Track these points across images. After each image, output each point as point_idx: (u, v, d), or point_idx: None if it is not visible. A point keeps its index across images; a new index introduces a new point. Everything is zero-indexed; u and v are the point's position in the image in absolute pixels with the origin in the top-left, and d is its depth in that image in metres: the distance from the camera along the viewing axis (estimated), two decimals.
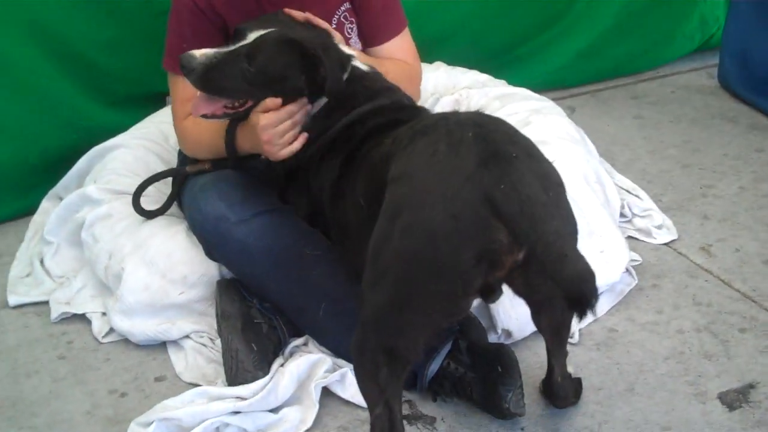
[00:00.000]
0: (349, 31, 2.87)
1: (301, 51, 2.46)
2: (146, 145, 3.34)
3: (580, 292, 1.87)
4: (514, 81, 3.83)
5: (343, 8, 2.85)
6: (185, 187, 2.84)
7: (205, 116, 2.53)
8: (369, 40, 2.93)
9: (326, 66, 2.44)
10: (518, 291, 2.10)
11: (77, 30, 3.50)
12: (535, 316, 2.29)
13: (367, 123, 2.48)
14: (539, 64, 4.42)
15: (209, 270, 2.80)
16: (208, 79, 2.42)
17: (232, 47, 2.45)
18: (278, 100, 2.47)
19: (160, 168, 3.19)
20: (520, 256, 1.89)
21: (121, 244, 2.89)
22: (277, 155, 2.52)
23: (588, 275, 1.89)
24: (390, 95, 2.58)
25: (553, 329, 2.32)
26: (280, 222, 2.63)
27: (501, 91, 3.61)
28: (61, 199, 3.39)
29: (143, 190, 2.90)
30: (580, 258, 1.91)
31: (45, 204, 3.46)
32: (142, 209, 2.87)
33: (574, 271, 1.86)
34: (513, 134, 2.07)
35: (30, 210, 3.51)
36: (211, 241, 2.67)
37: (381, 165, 2.15)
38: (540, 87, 3.86)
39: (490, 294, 2.05)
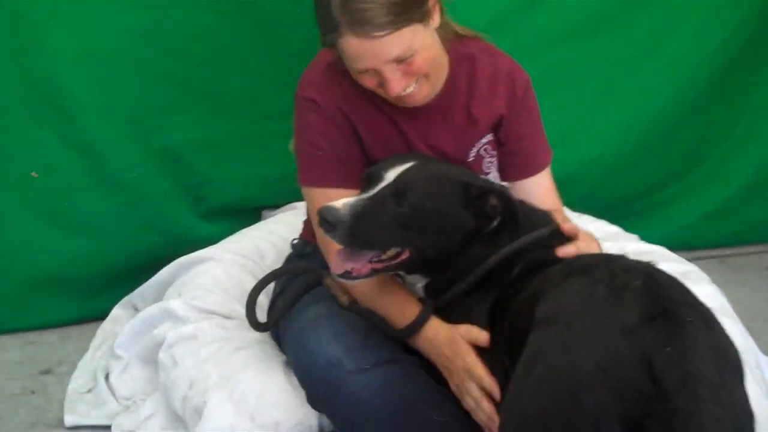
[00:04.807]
0: (488, 166, 2.58)
1: (461, 184, 2.23)
2: (240, 261, 3.06)
3: None
4: None
5: (484, 140, 2.55)
6: (289, 315, 2.50)
7: (348, 277, 2.20)
8: (510, 174, 2.62)
9: (499, 194, 2.23)
10: None
11: (177, 126, 3.37)
12: None
13: (526, 256, 2.21)
14: (660, 221, 4.08)
15: (307, 419, 2.45)
16: (356, 233, 2.12)
17: (373, 191, 2.18)
18: (486, 338, 2.15)
19: None
20: None
21: (205, 373, 2.56)
22: (461, 399, 2.17)
23: None
24: (549, 225, 2.32)
25: None
26: (405, 376, 2.28)
27: (637, 248, 3.30)
28: (135, 308, 3.19)
29: (263, 288, 2.55)
30: None
31: (117, 311, 3.24)
32: (256, 318, 2.50)
33: None
34: (689, 296, 1.83)
35: (98, 315, 3.29)
36: (319, 389, 2.31)
37: (527, 307, 1.92)
38: (650, 243, 3.52)
39: None
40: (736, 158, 4.06)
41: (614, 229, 3.49)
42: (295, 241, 2.80)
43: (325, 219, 2.10)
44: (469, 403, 2.14)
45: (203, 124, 3.38)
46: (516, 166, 2.60)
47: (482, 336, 2.14)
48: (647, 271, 1.84)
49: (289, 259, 2.80)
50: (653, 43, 3.75)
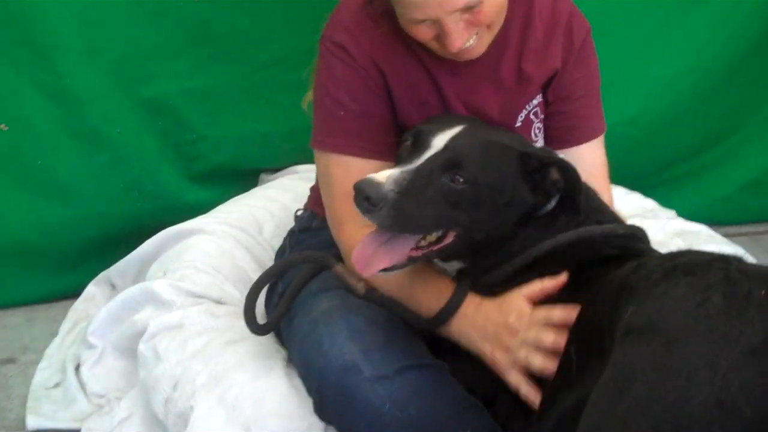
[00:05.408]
0: (537, 131, 2.29)
1: (518, 153, 1.94)
2: (234, 234, 2.78)
3: None
4: None
5: (534, 102, 2.25)
6: (294, 308, 2.18)
7: (385, 270, 1.90)
8: (559, 140, 2.31)
9: (562, 167, 1.94)
10: None
11: (168, 74, 3.11)
12: None
13: (590, 251, 1.95)
14: (691, 193, 3.82)
15: (311, 430, 2.11)
16: (402, 213, 1.81)
17: (419, 161, 1.88)
18: (558, 282, 1.86)
19: (251, 267, 2.64)
20: None
21: (193, 371, 2.25)
22: (508, 372, 1.87)
23: None
24: (622, 223, 2.06)
25: None
26: (433, 385, 1.96)
27: (679, 226, 3.12)
28: (113, 286, 2.93)
29: (263, 287, 2.24)
30: None
31: (91, 288, 2.97)
32: (256, 322, 2.20)
33: None
34: None
35: (70, 293, 3.03)
36: (331, 397, 1.99)
37: (609, 299, 1.66)
38: (688, 220, 3.34)
39: None
40: None
41: (650, 203, 3.33)
42: (300, 212, 2.55)
43: (366, 196, 1.79)
44: (521, 357, 1.83)
45: (198, 72, 3.13)
46: (562, 130, 2.32)
47: (547, 283, 1.87)
48: None
49: (292, 234, 2.54)
50: None
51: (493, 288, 1.96)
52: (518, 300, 1.88)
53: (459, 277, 2.01)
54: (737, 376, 1.37)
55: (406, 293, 2.02)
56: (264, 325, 2.20)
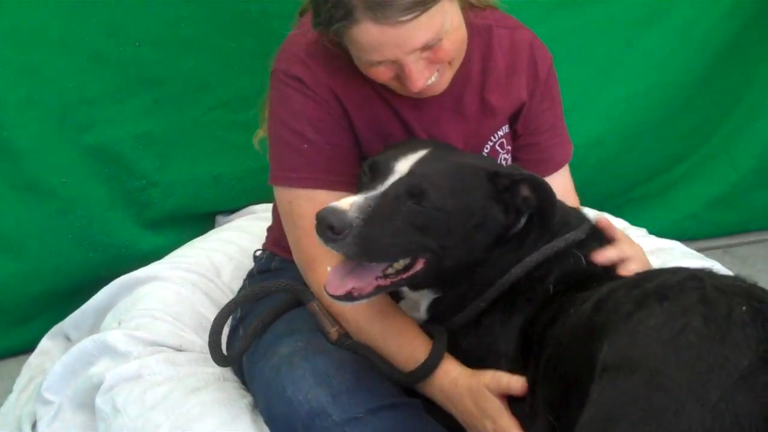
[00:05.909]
0: (503, 162, 2.27)
1: (487, 173, 1.91)
2: (192, 279, 2.69)
3: None
4: None
5: (500, 133, 2.24)
6: (256, 348, 2.12)
7: (348, 298, 1.85)
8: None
9: (532, 182, 1.92)
10: None
11: (113, 120, 3.03)
12: None
13: (559, 265, 1.92)
14: (661, 210, 3.86)
15: None
16: (367, 241, 1.76)
17: (383, 187, 1.84)
18: (523, 387, 1.82)
19: (210, 312, 2.52)
20: None
21: (154, 423, 2.18)
22: None
23: None
24: (584, 225, 2.02)
25: None
26: (409, 424, 1.92)
27: (652, 244, 3.05)
28: (68, 339, 2.83)
29: (230, 315, 2.21)
30: None
31: (46, 343, 2.88)
32: (222, 353, 2.15)
33: None
34: None
35: (23, 348, 2.98)
36: None
37: (578, 341, 1.63)
38: (660, 237, 3.33)
39: None
40: (741, 137, 3.83)
41: (620, 223, 3.27)
42: (259, 253, 2.50)
43: (329, 225, 1.74)
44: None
45: (144, 117, 3.07)
46: (532, 162, 2.30)
47: (514, 383, 1.82)
48: (750, 292, 1.51)
49: (252, 276, 2.49)
50: (659, 8, 3.49)
51: (467, 323, 1.93)
52: (493, 403, 1.84)
53: (432, 330, 1.96)
54: (728, 406, 1.33)
55: (379, 345, 1.98)
56: (227, 356, 2.16)
